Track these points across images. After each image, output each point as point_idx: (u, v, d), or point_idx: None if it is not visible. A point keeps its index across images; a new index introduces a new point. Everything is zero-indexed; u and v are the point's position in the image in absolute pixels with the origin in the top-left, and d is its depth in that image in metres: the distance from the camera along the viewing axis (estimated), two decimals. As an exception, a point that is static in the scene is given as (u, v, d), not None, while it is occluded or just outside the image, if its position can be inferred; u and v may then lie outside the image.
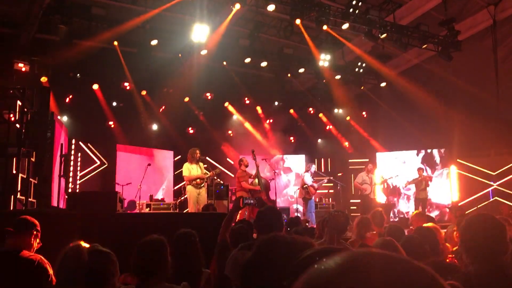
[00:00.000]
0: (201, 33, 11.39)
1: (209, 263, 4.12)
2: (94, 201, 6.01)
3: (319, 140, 17.11)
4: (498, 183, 13.35)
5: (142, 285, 2.75)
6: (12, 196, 7.99)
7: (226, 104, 15.46)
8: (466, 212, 11.29)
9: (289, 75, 14.50)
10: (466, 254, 2.39)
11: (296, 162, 15.40)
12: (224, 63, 13.37)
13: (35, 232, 3.57)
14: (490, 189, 13.39)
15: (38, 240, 3.60)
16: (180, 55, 12.48)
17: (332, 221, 4.45)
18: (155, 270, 2.84)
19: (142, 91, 13.70)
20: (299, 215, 11.82)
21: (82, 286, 2.07)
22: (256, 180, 10.19)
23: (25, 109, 8.60)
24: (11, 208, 7.76)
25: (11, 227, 3.52)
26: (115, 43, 11.72)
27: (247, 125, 15.55)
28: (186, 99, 14.69)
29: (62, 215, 6.05)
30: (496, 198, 13.18)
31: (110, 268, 2.17)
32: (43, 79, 11.21)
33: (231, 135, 15.62)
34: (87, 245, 2.33)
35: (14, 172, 8.17)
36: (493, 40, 12.43)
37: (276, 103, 16.03)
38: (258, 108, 16.00)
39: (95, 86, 12.92)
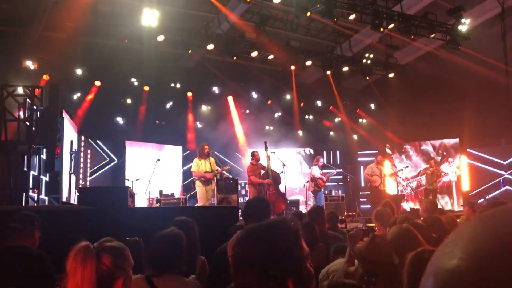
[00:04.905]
0: (206, 28, 11.44)
1: (213, 253, 4.14)
2: (105, 196, 6.02)
3: (328, 133, 17.05)
4: (509, 172, 13.24)
5: (153, 276, 2.76)
6: (24, 193, 8.05)
7: (230, 98, 15.42)
8: (479, 202, 11.26)
9: (292, 67, 14.35)
10: None
11: (304, 155, 15.34)
12: (234, 58, 13.25)
13: (37, 227, 3.60)
14: (501, 178, 13.27)
15: (39, 234, 3.63)
16: (189, 51, 12.41)
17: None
18: (171, 263, 2.85)
19: (146, 86, 13.65)
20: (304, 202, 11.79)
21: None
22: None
23: (35, 107, 8.64)
24: (23, 205, 7.81)
25: (13, 223, 3.55)
26: (126, 40, 11.68)
27: (255, 118, 15.49)
28: (189, 93, 14.67)
29: (74, 211, 6.08)
30: (508, 187, 13.07)
31: (124, 262, 2.16)
32: (45, 77, 11.27)
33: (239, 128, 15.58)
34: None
35: (25, 169, 8.22)
36: (502, 28, 12.25)
37: (284, 96, 15.95)
38: (267, 102, 15.94)
39: (98, 83, 12.88)
